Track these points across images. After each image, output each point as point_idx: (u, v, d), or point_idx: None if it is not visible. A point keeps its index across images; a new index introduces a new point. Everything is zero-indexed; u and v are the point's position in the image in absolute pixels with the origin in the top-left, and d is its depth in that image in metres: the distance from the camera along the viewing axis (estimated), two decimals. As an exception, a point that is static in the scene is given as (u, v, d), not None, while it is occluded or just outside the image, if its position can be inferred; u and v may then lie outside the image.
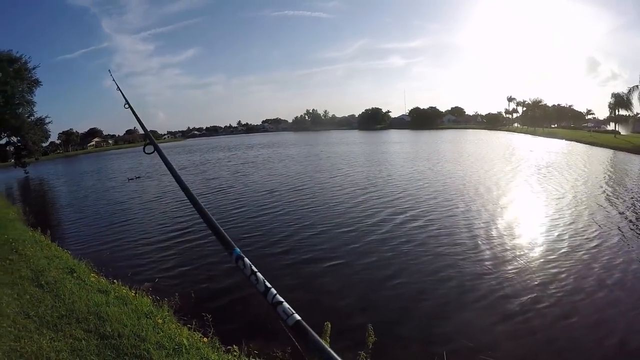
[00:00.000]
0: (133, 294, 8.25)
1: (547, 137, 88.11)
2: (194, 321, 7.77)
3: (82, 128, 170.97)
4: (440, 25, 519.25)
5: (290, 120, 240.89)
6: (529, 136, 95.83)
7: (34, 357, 5.32)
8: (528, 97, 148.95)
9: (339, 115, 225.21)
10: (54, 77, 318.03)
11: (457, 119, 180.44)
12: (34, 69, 58.44)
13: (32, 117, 60.96)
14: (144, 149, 2.15)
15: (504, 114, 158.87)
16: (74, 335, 5.97)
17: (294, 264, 13.19)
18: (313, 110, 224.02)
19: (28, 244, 11.71)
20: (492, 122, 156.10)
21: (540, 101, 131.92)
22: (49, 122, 64.36)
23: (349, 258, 13.41)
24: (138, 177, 40.22)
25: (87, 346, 5.66)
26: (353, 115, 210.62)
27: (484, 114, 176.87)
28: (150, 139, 2.17)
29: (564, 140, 75.55)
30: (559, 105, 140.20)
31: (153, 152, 1.94)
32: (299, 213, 19.98)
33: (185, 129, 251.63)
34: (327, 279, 12.00)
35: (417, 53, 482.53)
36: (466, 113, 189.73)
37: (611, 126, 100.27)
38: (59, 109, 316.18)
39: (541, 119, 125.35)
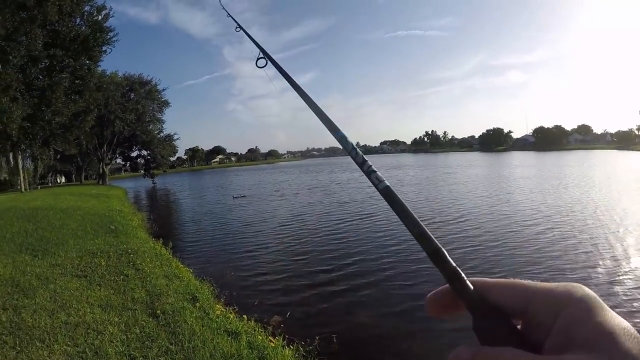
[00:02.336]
0: (271, 342, 6.03)
1: None
2: None
3: (207, 145, 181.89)
4: (558, 34, 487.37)
5: (408, 142, 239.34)
6: None
7: None
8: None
9: (458, 136, 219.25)
10: (183, 99, 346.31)
11: (584, 137, 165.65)
12: (163, 90, 63.97)
13: (162, 134, 65.57)
14: (256, 62, 1.30)
15: (636, 131, 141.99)
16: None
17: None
18: (432, 131, 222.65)
19: (147, 258, 10.17)
20: (623, 140, 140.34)
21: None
22: (177, 139, 69.42)
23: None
24: (243, 196, 38.55)
25: None
26: (473, 136, 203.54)
27: (613, 131, 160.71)
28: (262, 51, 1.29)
29: None
30: None
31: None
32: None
33: (304, 149, 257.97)
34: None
35: (536, 66, 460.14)
36: (594, 131, 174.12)
37: None
38: (187, 128, 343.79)
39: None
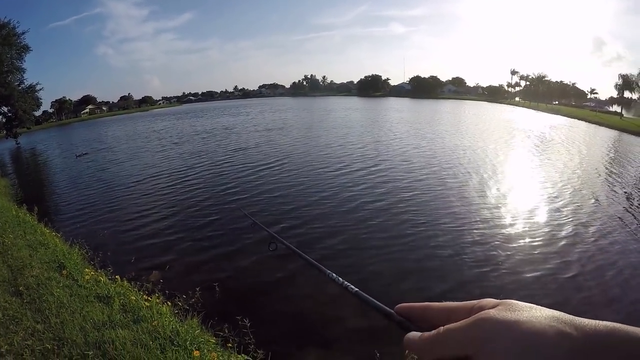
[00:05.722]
0: (145, 300, 6.02)
1: (550, 113, 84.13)
2: (226, 327, 5.77)
3: (75, 96, 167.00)
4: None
5: (287, 86, 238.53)
6: (532, 111, 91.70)
7: None
8: (532, 71, 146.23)
9: (337, 81, 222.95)
10: (46, 45, 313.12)
11: (457, 89, 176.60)
12: (22, 34, 55.28)
13: (23, 85, 58.15)
14: (268, 246, 1.76)
15: (505, 87, 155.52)
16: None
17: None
18: (311, 75, 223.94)
19: (9, 228, 9.44)
20: (493, 94, 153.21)
21: (544, 76, 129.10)
22: (40, 90, 61.18)
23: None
24: (85, 153, 36.53)
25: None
26: (352, 82, 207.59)
27: (484, 85, 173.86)
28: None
29: (568, 118, 71.58)
30: (562, 82, 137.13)
31: None
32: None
33: (180, 94, 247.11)
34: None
35: (417, 21, 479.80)
36: (467, 84, 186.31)
37: (613, 107, 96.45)
38: (52, 78, 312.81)
39: (543, 94, 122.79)
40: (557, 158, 25.36)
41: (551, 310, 0.50)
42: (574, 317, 0.48)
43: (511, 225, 12.65)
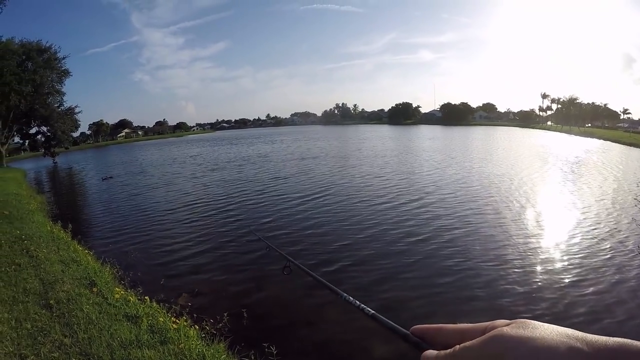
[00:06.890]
0: (173, 322, 5.97)
1: (584, 136, 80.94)
2: (252, 354, 5.80)
3: (112, 119, 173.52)
4: (470, 19, 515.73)
5: (319, 114, 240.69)
6: (564, 135, 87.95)
7: None
8: (562, 94, 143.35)
9: (368, 109, 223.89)
10: (86, 69, 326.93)
11: (488, 115, 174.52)
12: (63, 58, 57.93)
13: (62, 107, 60.57)
14: (283, 270, 1.83)
15: (537, 112, 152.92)
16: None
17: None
18: (343, 104, 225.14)
19: (43, 243, 9.65)
20: (525, 119, 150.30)
21: (576, 99, 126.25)
22: (79, 112, 63.93)
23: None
24: (111, 177, 36.69)
25: None
26: (383, 110, 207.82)
27: (515, 110, 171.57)
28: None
29: (602, 140, 68.30)
30: (593, 103, 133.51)
31: None
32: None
33: (213, 121, 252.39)
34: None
35: (446, 47, 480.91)
36: (497, 109, 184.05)
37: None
38: (90, 101, 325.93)
39: (575, 117, 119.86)
40: (599, 184, 23.90)
41: (563, 327, 0.52)
42: (585, 334, 0.49)
43: (562, 261, 11.61)
